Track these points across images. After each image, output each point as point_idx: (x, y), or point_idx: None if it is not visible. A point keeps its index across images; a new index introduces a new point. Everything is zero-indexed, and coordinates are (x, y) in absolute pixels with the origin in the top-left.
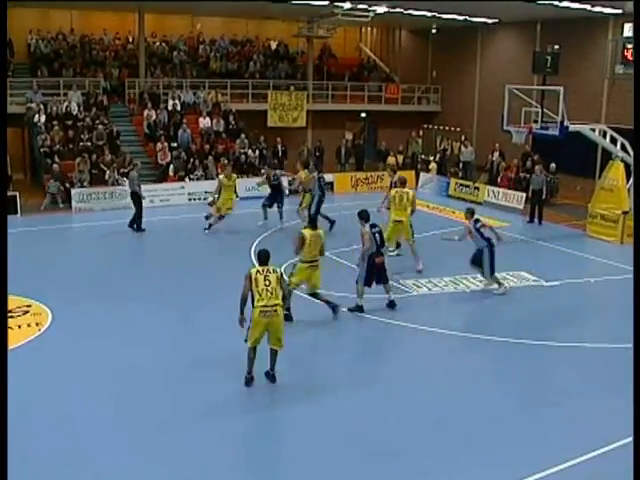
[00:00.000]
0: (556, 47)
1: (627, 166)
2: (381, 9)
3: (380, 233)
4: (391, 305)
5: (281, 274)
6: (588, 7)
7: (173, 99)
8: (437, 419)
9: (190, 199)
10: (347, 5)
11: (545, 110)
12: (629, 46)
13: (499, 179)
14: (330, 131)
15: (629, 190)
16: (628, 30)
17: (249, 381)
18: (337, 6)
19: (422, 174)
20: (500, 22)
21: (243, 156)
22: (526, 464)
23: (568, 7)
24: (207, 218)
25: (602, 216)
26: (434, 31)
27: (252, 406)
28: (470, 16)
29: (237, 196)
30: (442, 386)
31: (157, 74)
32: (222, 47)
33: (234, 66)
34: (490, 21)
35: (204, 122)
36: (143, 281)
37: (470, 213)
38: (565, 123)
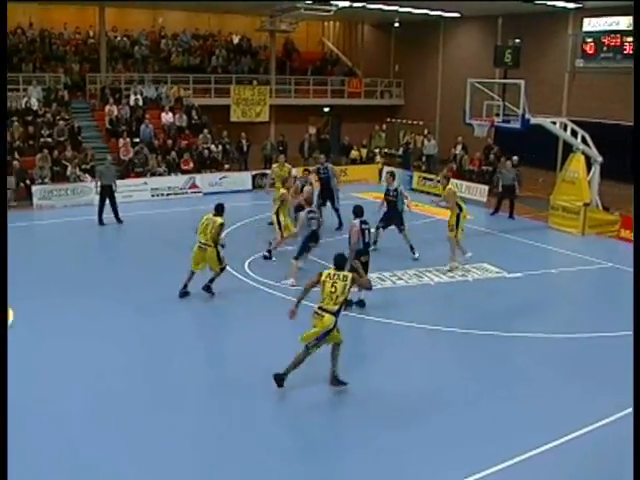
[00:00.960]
0: (517, 41)
1: (587, 158)
2: (343, 3)
3: (369, 230)
4: (360, 304)
5: (352, 280)
6: (548, 2)
7: (135, 94)
8: (403, 410)
9: (153, 195)
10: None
11: (507, 103)
12: (588, 40)
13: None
14: (293, 126)
15: (589, 182)
16: (588, 24)
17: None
18: (299, 0)
19: (385, 167)
20: (462, 16)
21: (206, 151)
22: (489, 455)
23: (529, 1)
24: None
25: (564, 208)
26: (396, 25)
27: (223, 403)
28: (431, 10)
29: None
30: (408, 378)
31: (119, 69)
32: (184, 41)
33: (196, 61)
34: (452, 15)
35: (166, 117)
36: (108, 278)
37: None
38: (527, 116)
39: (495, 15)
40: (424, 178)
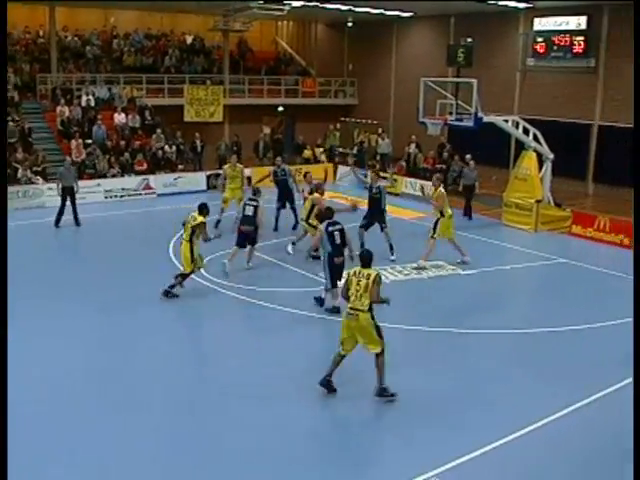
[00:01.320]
0: (469, 40)
1: (539, 156)
2: (297, 2)
3: (342, 232)
4: (319, 301)
5: (378, 281)
6: (500, 2)
7: (87, 95)
8: (361, 408)
9: (107, 197)
10: None
11: (460, 102)
12: (539, 40)
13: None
14: (248, 125)
15: (541, 179)
16: (538, 24)
17: (324, 384)
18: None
19: (340, 167)
20: (415, 15)
21: (160, 152)
22: (450, 449)
23: (481, 1)
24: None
25: (517, 205)
26: (350, 24)
27: (188, 401)
28: (385, 10)
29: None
30: (361, 379)
31: (70, 69)
32: (136, 41)
33: (149, 60)
34: (405, 14)
35: (119, 118)
36: (66, 280)
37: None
38: (479, 114)
39: (448, 14)
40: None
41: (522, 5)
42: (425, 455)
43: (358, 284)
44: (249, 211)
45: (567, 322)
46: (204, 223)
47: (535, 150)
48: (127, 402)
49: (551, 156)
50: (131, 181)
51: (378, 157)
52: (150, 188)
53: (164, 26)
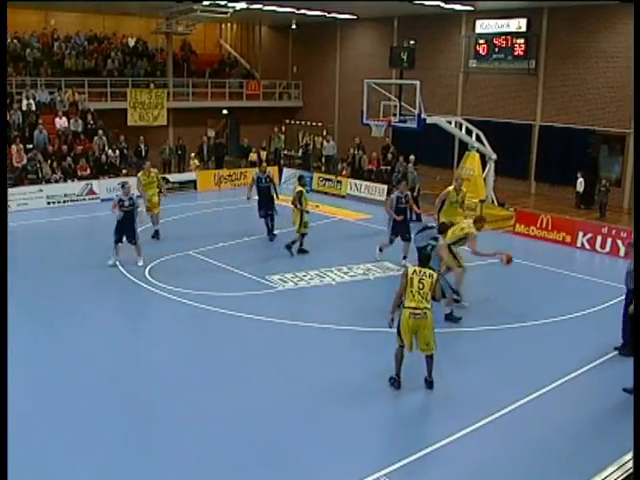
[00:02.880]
0: (412, 42)
1: (482, 156)
2: (240, 5)
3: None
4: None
5: (437, 280)
6: (441, 4)
7: (27, 99)
8: (307, 411)
9: (49, 202)
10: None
11: (403, 103)
12: (481, 41)
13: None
14: (192, 129)
15: (485, 179)
16: (480, 26)
17: (393, 382)
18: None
19: (285, 169)
20: (358, 18)
21: (103, 156)
22: (399, 447)
23: (422, 4)
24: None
25: (461, 205)
26: (294, 27)
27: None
28: (328, 12)
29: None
30: (316, 379)
31: (9, 72)
32: (78, 44)
33: (91, 64)
34: (348, 17)
35: (61, 122)
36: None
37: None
38: (422, 116)
39: (391, 16)
40: (324, 179)
41: (463, 7)
42: (374, 455)
43: (421, 282)
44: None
45: (513, 319)
46: (301, 192)
47: (478, 150)
48: (65, 412)
49: (494, 156)
50: (74, 186)
51: (323, 159)
52: (94, 193)
53: (106, 29)
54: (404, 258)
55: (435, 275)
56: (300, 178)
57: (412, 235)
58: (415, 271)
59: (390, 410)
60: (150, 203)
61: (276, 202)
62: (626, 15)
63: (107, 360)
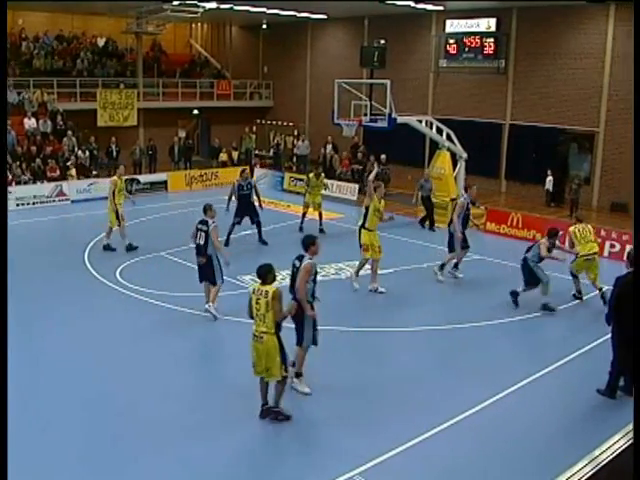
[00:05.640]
0: (382, 41)
1: (453, 155)
2: (210, 5)
3: None
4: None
5: (277, 297)
6: (412, 4)
7: None
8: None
9: (18, 204)
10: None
11: (374, 103)
12: (451, 41)
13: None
14: (163, 129)
15: (456, 178)
16: (450, 26)
17: (261, 413)
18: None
19: (256, 169)
20: (329, 18)
21: (73, 157)
22: (371, 447)
23: (393, 4)
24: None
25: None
26: (264, 27)
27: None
28: (298, 12)
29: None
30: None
31: None
32: (47, 44)
33: (60, 64)
34: (319, 17)
35: (30, 123)
36: None
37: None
38: (393, 115)
39: (361, 16)
40: (295, 179)
41: (433, 7)
42: (346, 455)
43: (257, 302)
44: (200, 239)
45: (483, 317)
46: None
47: (449, 149)
48: (36, 417)
49: (464, 155)
50: (43, 188)
51: (294, 159)
52: (63, 195)
53: (75, 28)
54: (456, 266)
55: (271, 292)
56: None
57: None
58: (254, 290)
59: (364, 408)
60: (121, 214)
61: (258, 207)
62: (595, 15)
63: (74, 361)
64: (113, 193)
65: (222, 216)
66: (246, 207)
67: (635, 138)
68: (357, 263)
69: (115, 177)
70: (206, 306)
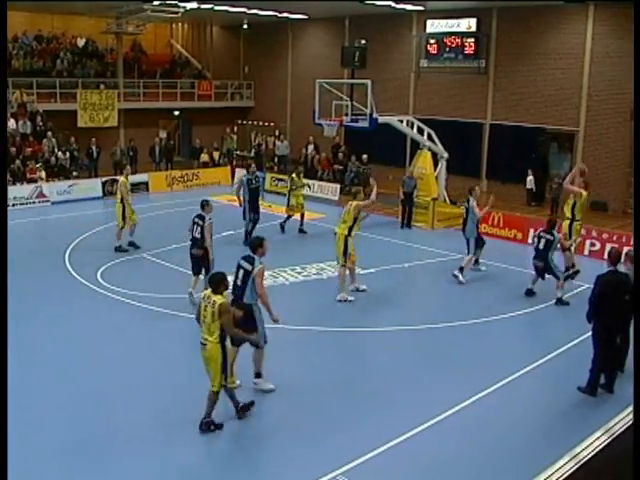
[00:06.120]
0: (363, 42)
1: (434, 155)
2: (191, 5)
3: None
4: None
5: (225, 311)
6: (392, 4)
7: None
8: (259, 412)
9: None
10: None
11: (355, 103)
12: (432, 41)
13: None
14: (143, 130)
15: (437, 178)
16: (431, 26)
17: (202, 425)
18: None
19: (238, 170)
20: (309, 18)
21: (53, 159)
22: (355, 447)
23: (373, 4)
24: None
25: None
26: (245, 27)
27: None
28: (279, 12)
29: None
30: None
31: None
32: (26, 44)
33: (40, 64)
34: (300, 17)
35: (9, 124)
36: None
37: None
38: (374, 115)
39: (342, 16)
40: (277, 179)
41: (414, 7)
42: (328, 455)
43: (205, 310)
44: (196, 232)
45: (465, 316)
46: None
47: (430, 149)
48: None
49: (445, 155)
50: (23, 189)
51: (276, 159)
52: (44, 196)
53: (55, 28)
54: (477, 262)
55: (218, 305)
56: None
57: None
58: (204, 297)
59: (346, 407)
60: (128, 214)
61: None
62: (574, 15)
63: (55, 363)
64: (123, 193)
65: (195, 207)
66: (256, 201)
67: (635, 138)
68: (348, 275)
69: (123, 178)
70: (190, 289)
